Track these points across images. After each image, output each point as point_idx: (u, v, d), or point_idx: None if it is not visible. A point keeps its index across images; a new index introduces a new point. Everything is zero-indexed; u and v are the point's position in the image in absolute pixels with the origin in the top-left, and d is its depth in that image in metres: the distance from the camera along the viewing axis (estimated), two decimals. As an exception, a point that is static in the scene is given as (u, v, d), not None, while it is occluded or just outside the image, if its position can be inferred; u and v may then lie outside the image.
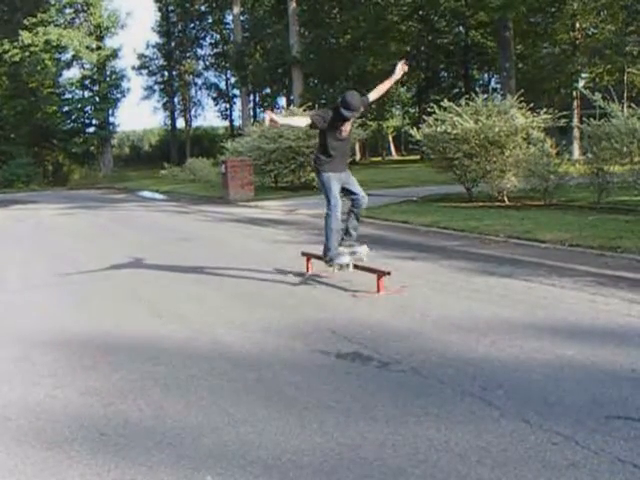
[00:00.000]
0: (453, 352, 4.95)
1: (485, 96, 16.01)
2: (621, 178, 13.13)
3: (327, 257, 7.51)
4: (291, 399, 4.21)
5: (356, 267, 7.60)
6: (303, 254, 8.45)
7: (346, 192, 7.67)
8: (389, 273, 7.02)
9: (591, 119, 13.39)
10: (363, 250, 7.72)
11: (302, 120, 7.74)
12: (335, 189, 7.42)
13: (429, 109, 16.60)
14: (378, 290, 7.01)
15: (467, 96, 16.01)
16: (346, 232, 7.72)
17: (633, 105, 12.73)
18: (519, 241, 9.95)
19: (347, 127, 7.46)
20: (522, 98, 15.50)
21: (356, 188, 7.65)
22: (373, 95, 7.91)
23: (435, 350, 5.02)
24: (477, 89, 17.74)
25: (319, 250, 7.75)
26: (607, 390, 4.09)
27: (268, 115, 7.26)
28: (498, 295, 6.70)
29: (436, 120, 15.65)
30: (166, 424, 3.93)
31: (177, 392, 4.43)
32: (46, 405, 4.31)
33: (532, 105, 15.35)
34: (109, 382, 4.68)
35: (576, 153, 26.80)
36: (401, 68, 7.92)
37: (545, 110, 15.17)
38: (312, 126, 7.42)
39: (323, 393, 4.29)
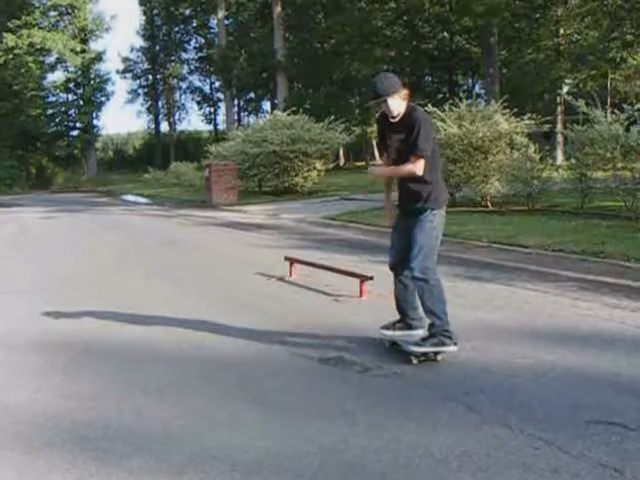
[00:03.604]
0: (436, 356, 4.95)
1: (469, 101, 16.11)
2: (604, 184, 13.23)
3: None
4: (273, 404, 4.20)
5: (339, 272, 7.60)
6: (286, 259, 8.44)
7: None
8: (372, 278, 7.00)
9: (575, 125, 13.49)
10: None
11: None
12: (392, 238, 5.24)
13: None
14: (361, 295, 7.01)
15: (451, 101, 16.10)
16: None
17: (616, 111, 12.81)
18: (502, 246, 10.00)
19: (392, 140, 4.97)
20: (506, 103, 15.63)
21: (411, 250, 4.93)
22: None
23: (418, 354, 5.02)
24: (461, 94, 17.80)
25: (302, 255, 7.73)
26: (589, 395, 4.11)
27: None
28: (481, 300, 6.71)
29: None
30: (148, 428, 3.90)
31: (159, 396, 4.41)
32: (27, 408, 4.27)
33: (516, 110, 15.46)
34: (91, 386, 4.65)
35: (560, 158, 26.97)
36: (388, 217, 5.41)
37: (529, 115, 15.29)
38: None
39: (305, 397, 4.28)
